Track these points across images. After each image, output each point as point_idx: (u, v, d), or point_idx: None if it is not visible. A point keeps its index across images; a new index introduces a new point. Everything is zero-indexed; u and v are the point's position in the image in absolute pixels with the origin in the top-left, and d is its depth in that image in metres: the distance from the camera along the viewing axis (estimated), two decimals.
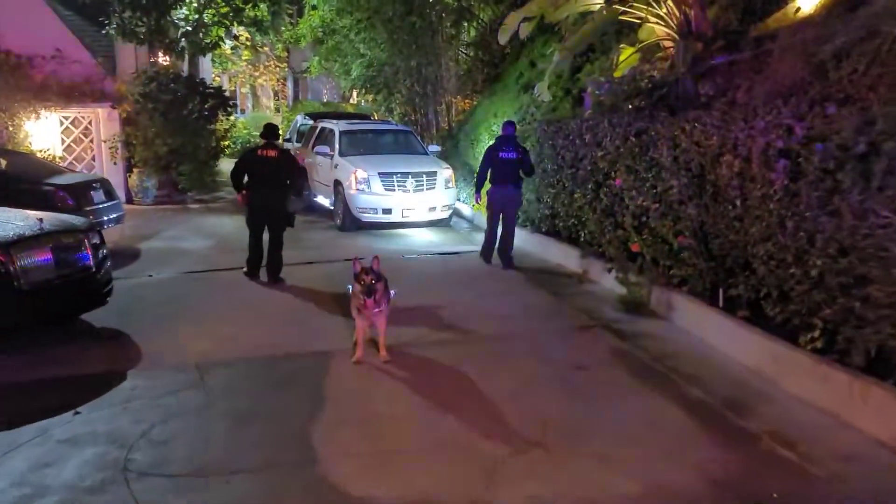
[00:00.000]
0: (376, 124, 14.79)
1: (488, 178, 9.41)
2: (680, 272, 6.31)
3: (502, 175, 9.27)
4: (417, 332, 6.24)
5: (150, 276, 8.82)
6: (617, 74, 9.41)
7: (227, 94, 16.29)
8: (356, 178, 11.71)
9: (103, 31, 15.95)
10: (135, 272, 9.00)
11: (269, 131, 8.55)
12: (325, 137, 13.75)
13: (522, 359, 5.54)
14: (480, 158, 10.07)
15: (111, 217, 10.41)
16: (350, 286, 5.49)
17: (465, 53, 18.72)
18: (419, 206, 11.82)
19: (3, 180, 9.37)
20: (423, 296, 7.63)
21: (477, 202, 10.34)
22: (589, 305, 7.10)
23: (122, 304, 7.26)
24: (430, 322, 6.60)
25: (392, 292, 5.66)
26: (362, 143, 13.22)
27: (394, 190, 11.70)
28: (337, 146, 12.85)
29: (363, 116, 17.78)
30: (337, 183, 12.31)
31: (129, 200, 14.92)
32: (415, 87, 17.59)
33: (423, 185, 11.88)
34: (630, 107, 8.34)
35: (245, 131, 24.31)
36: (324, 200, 13.38)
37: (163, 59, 18.22)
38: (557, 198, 9.40)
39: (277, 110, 27.13)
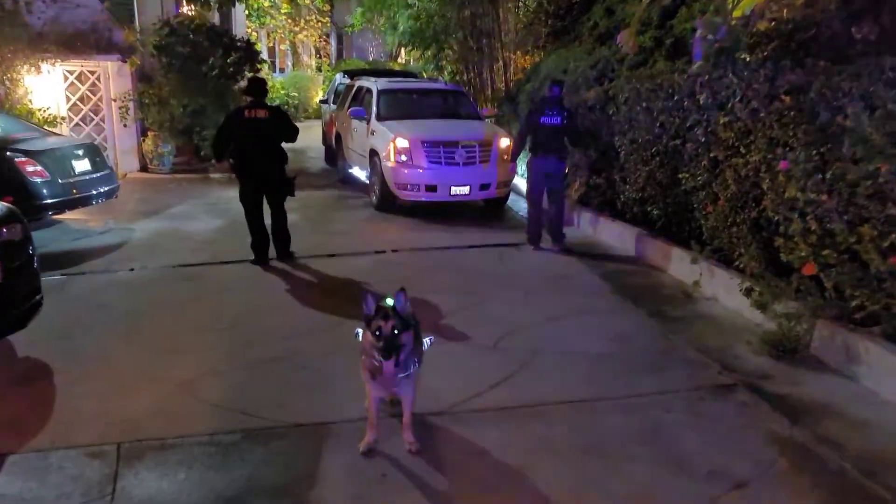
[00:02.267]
0: (422, 83, 12.62)
1: (528, 147, 7.98)
2: (873, 304, 4.07)
3: (544, 144, 7.70)
4: (461, 387, 4.15)
5: (132, 269, 6.99)
6: (736, 14, 7.10)
7: (255, 48, 14.30)
8: (395, 148, 9.64)
9: None
10: (114, 264, 7.18)
11: (256, 87, 7.14)
12: (361, 98, 11.69)
13: (632, 455, 3.40)
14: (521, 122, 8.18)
15: (100, 191, 8.61)
16: (358, 331, 3.44)
17: (525, 4, 16.33)
18: (470, 183, 9.69)
19: None
20: (469, 314, 5.57)
21: (513, 171, 8.47)
22: (714, 341, 4.91)
23: (73, 316, 5.47)
24: (480, 367, 4.51)
25: (427, 340, 3.59)
26: (404, 105, 11.10)
27: (440, 162, 9.58)
28: (374, 108, 10.77)
29: (409, 75, 15.61)
30: (373, 152, 10.27)
31: (144, 168, 13.25)
32: (468, 41, 15.35)
33: (475, 156, 9.73)
34: (750, 56, 6.08)
35: (283, 92, 22.35)
36: (359, 173, 11.36)
37: (188, 10, 16.36)
38: (651, 178, 7.17)
39: (319, 69, 25.09)
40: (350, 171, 11.97)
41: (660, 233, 7.18)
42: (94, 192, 8.47)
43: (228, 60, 13.08)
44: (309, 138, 17.32)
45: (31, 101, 11.77)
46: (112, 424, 3.65)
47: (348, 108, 11.81)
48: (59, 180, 7.89)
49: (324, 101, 15.73)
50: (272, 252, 7.35)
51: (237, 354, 4.71)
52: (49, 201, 7.77)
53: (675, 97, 6.68)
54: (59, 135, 9.36)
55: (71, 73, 12.39)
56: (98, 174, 8.56)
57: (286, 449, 3.44)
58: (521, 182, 10.94)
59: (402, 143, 9.63)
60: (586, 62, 10.62)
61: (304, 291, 6.31)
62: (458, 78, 15.84)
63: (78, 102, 12.56)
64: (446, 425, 3.68)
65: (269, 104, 7.25)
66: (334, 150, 13.43)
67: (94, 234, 8.54)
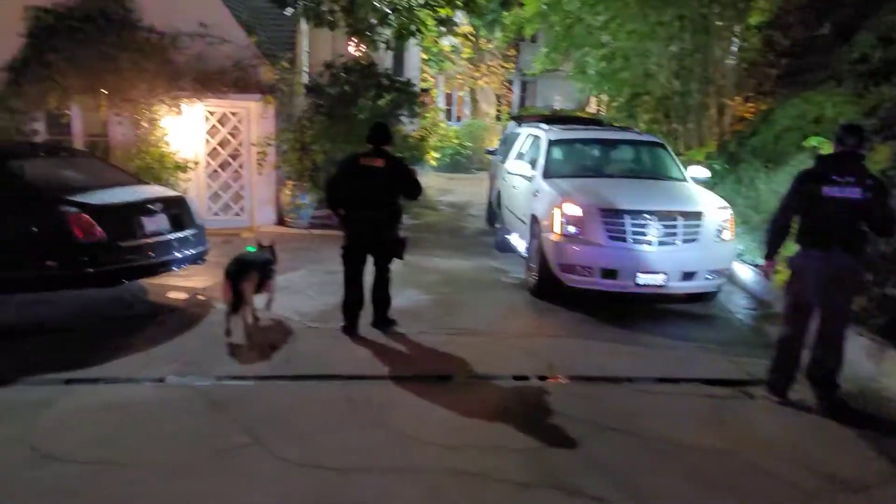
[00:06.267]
0: (607, 132, 9.82)
1: (796, 230, 4.84)
2: None
3: (827, 228, 4.59)
4: None
5: (161, 380, 4.90)
6: None
7: (416, 88, 12.42)
8: (562, 215, 7.00)
9: (285, 11, 13.14)
10: (149, 364, 5.17)
11: (378, 133, 6.18)
12: (528, 149, 9.23)
13: None
14: (784, 192, 4.95)
15: (183, 255, 6.81)
16: None
17: (747, 41, 13.04)
18: (668, 269, 6.78)
19: (15, 193, 6.12)
20: None
21: (768, 272, 5.23)
22: None
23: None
24: None
25: None
26: (581, 160, 8.50)
27: (624, 239, 6.79)
28: (541, 162, 8.22)
29: (594, 123, 12.91)
30: (535, 219, 7.69)
31: (281, 221, 11.69)
32: (671, 83, 12.37)
33: (676, 233, 6.85)
34: None
35: (456, 141, 20.55)
36: (518, 242, 8.81)
37: (355, 50, 15.06)
38: None
39: (498, 118, 23.18)
40: (508, 237, 9.48)
41: None
42: (171, 258, 6.68)
43: (380, 102, 11.23)
44: (475, 193, 15.27)
45: (167, 143, 10.63)
46: None
47: (511, 160, 9.41)
48: (119, 242, 6.14)
49: (490, 152, 13.50)
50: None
51: None
52: (100, 269, 6.01)
53: None
54: (146, 183, 7.82)
55: (212, 113, 11.17)
56: (178, 234, 6.76)
57: None
58: (741, 269, 7.79)
59: (573, 209, 6.98)
60: (849, 108, 7.34)
61: (368, 467, 3.77)
62: (656, 127, 12.88)
63: (217, 147, 11.29)
64: None
65: (390, 153, 6.20)
66: (495, 211, 11.08)
67: (161, 309, 6.72)
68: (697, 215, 7.00)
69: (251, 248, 6.25)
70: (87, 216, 5.95)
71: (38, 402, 4.38)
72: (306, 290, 7.52)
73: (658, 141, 8.97)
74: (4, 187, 6.14)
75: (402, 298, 6.57)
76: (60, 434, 3.98)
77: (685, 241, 6.86)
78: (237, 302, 5.58)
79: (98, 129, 10.68)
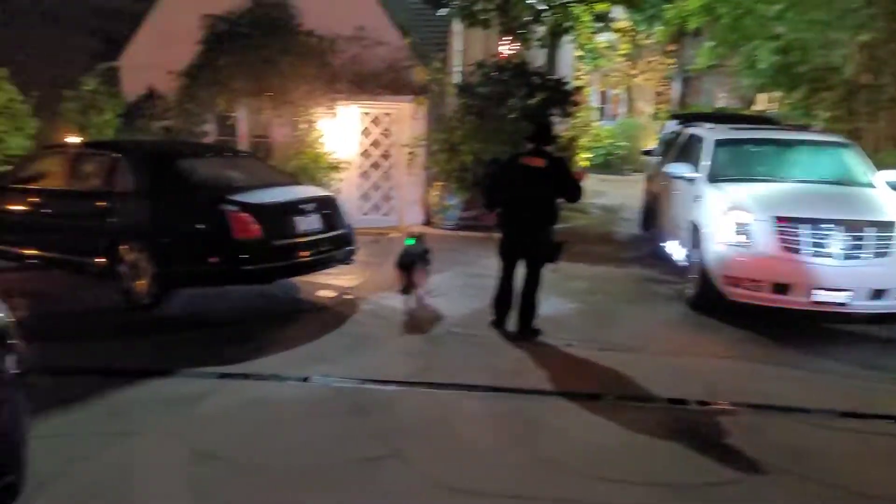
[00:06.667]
0: (781, 132, 8.91)
1: None
2: None
3: None
4: None
5: (305, 379, 4.95)
6: None
7: (569, 87, 11.99)
8: (729, 223, 6.40)
9: (439, 12, 13.22)
10: (295, 363, 5.24)
11: (540, 133, 6.07)
12: (690, 150, 8.56)
13: None
14: None
15: (333, 254, 6.92)
16: None
17: None
18: (853, 286, 5.99)
19: (183, 192, 6.51)
20: None
21: None
22: None
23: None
24: None
25: None
26: (751, 163, 7.73)
27: (798, 250, 6.06)
28: (705, 164, 7.58)
29: (764, 121, 11.85)
30: (696, 226, 7.09)
31: (428, 221, 11.73)
32: (861, 76, 11.08)
33: (863, 245, 6.06)
34: None
35: (608, 141, 19.76)
36: (676, 250, 8.20)
37: (508, 49, 14.88)
38: None
39: (655, 116, 22.01)
40: (663, 244, 8.87)
41: None
42: (322, 257, 6.79)
43: (531, 101, 10.93)
44: (628, 195, 14.57)
45: (322, 144, 10.99)
46: None
47: (671, 162, 8.78)
48: (274, 241, 6.32)
49: (647, 153, 12.78)
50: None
51: None
52: (256, 266, 6.23)
53: None
54: (301, 183, 8.05)
55: (366, 114, 11.41)
56: (329, 234, 6.87)
57: None
58: None
59: (742, 216, 6.38)
60: None
61: (514, 493, 3.53)
62: (838, 126, 11.60)
63: (369, 147, 11.52)
64: None
65: (552, 154, 6.10)
66: (650, 215, 10.46)
67: (309, 307, 6.87)
68: (891, 226, 6.14)
69: (410, 241, 6.75)
70: (246, 214, 6.18)
71: (192, 396, 4.54)
72: (450, 292, 7.40)
73: (844, 141, 8.00)
74: (175, 186, 6.56)
75: (546, 306, 6.26)
76: (210, 430, 4.08)
77: (876, 254, 6.05)
78: (408, 288, 6.44)
79: (261, 130, 11.26)
